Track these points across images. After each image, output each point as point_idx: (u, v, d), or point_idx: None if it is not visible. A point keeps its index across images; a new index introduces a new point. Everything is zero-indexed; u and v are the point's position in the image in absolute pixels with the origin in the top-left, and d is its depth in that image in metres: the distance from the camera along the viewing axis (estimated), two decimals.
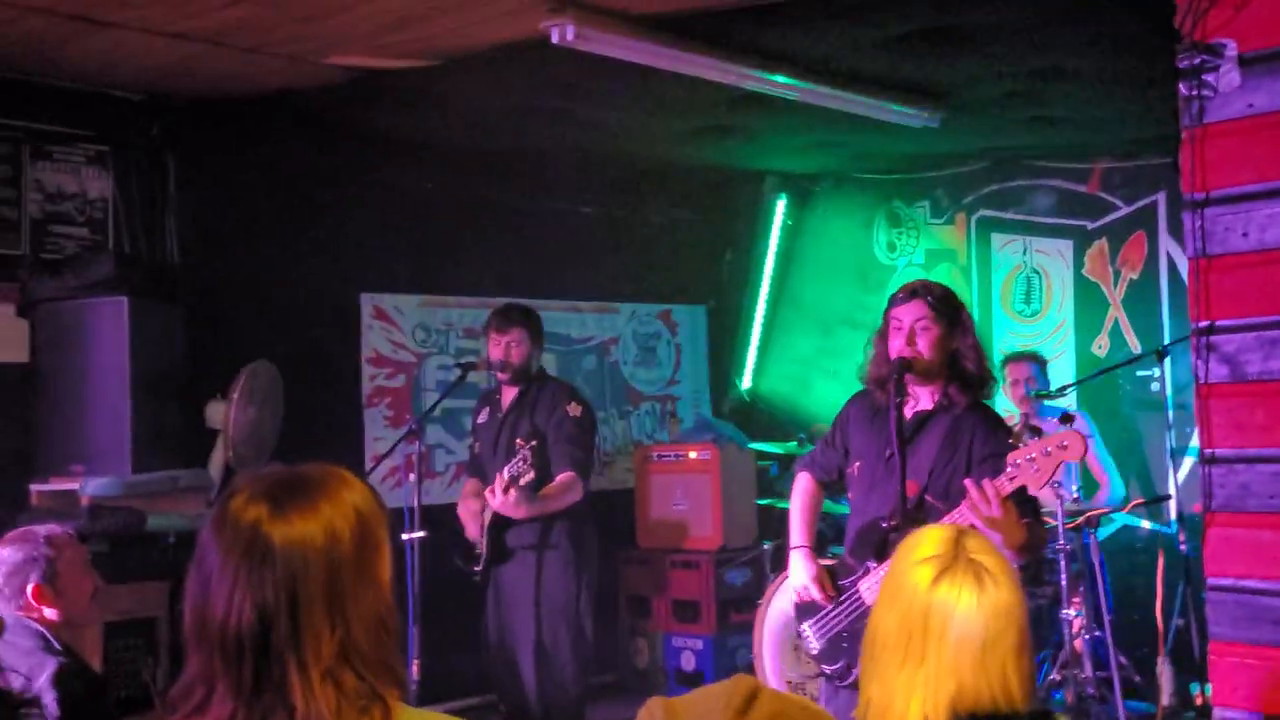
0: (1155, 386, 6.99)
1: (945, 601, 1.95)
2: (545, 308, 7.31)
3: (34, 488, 5.34)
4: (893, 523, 3.96)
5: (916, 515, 3.85)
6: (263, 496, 1.72)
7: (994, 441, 4.01)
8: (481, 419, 5.81)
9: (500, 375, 5.63)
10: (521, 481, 5.15)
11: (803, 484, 4.46)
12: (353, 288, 6.74)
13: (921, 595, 1.96)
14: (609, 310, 7.90)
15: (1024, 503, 3.86)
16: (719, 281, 8.56)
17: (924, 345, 4.02)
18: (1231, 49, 3.86)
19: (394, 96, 5.81)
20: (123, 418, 5.32)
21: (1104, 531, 6.33)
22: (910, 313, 4.05)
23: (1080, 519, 5.89)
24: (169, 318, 5.62)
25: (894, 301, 4.13)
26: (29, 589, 3.35)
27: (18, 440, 5.47)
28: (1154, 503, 6.31)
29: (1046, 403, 6.45)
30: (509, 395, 5.68)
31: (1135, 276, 7.21)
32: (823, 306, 8.32)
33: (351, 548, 1.72)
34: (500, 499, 5.16)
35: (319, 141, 6.41)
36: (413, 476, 5.26)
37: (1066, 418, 3.90)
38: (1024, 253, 7.66)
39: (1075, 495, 6.23)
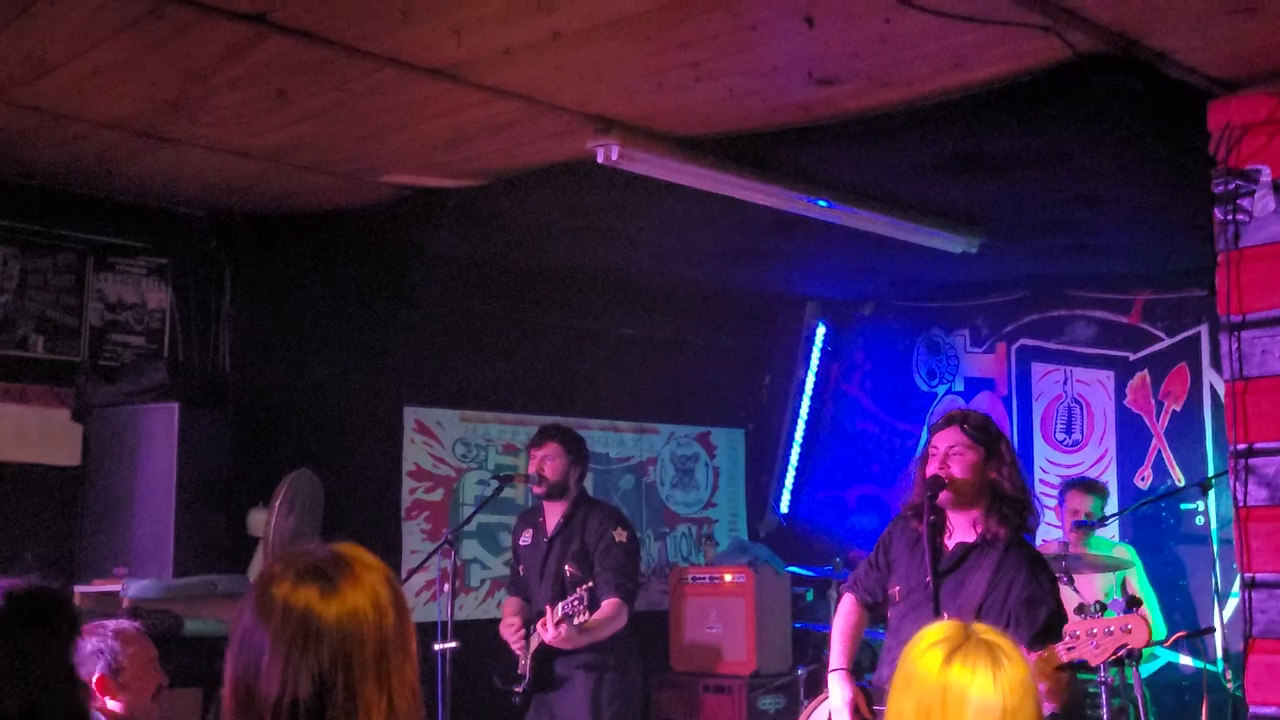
0: (1200, 520, 6.91)
1: (960, 679, 1.94)
2: (584, 426, 7.37)
3: (77, 589, 5.39)
4: None
5: None
6: (309, 577, 1.78)
7: (1034, 585, 4.04)
8: (525, 541, 5.84)
9: (535, 489, 5.71)
10: (575, 621, 5.21)
11: (846, 606, 4.50)
12: (396, 400, 6.84)
13: (935, 677, 1.95)
14: (648, 431, 7.95)
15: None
16: (758, 405, 8.60)
17: (957, 468, 4.10)
18: (1266, 175, 3.94)
19: (443, 214, 5.97)
20: (167, 522, 5.40)
21: (1148, 668, 6.21)
22: (946, 439, 4.16)
23: (1122, 653, 5.79)
24: (218, 425, 5.73)
25: (933, 430, 4.26)
26: (94, 679, 3.43)
27: (66, 542, 5.57)
28: (1196, 635, 6.19)
29: (1098, 536, 6.41)
30: (553, 517, 5.72)
31: (1178, 408, 7.19)
32: (861, 432, 8.34)
33: (394, 618, 1.79)
34: (552, 633, 5.26)
35: (368, 256, 6.57)
36: (447, 588, 5.29)
37: (1134, 601, 3.87)
38: (1065, 382, 7.66)
39: None
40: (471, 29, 3.78)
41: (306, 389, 6.29)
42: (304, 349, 6.36)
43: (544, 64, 4.06)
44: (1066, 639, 3.76)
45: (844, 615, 4.48)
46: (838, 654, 4.40)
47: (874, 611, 4.54)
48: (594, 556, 5.57)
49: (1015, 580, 4.03)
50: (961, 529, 4.17)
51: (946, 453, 4.12)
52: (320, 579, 1.77)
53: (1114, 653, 3.72)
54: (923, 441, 4.35)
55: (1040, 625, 3.94)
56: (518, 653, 5.59)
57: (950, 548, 4.16)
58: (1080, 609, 3.84)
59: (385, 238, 6.49)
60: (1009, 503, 4.11)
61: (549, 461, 5.64)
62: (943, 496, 4.10)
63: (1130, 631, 3.70)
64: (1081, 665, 3.85)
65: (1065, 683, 3.84)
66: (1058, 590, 4.12)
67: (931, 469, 4.13)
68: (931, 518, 4.09)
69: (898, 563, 4.31)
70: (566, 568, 5.51)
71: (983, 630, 2.01)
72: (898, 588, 4.26)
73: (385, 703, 1.73)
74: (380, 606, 1.77)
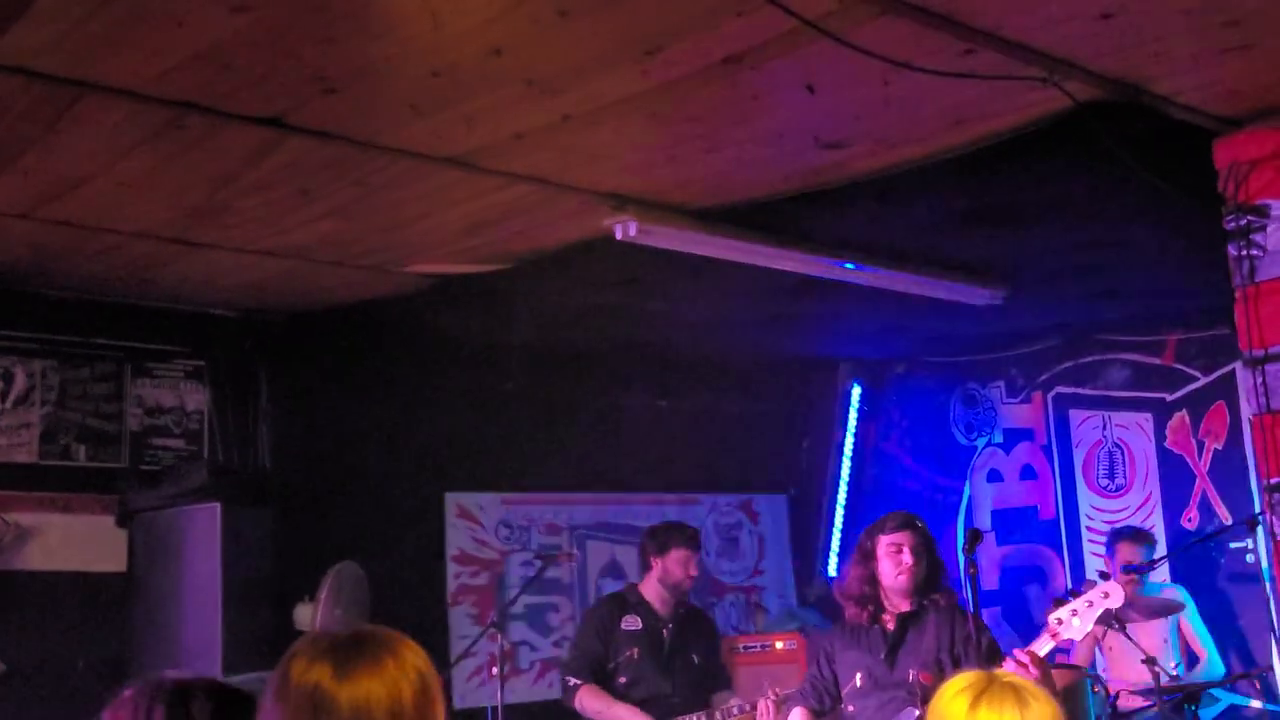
0: (1250, 558, 6.80)
1: (1011, 713, 1.92)
2: (625, 502, 7.40)
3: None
4: (919, 711, 4.34)
5: None
6: (325, 657, 1.78)
7: (968, 624, 4.50)
8: (633, 626, 5.88)
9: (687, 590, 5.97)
10: None
11: (797, 717, 4.86)
12: (437, 487, 6.89)
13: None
14: (690, 502, 7.95)
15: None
16: (798, 469, 8.59)
17: (921, 565, 4.68)
18: (1277, 209, 3.94)
19: (471, 300, 6.05)
20: (214, 621, 5.44)
21: (1210, 711, 6.10)
22: (906, 539, 4.72)
23: (1181, 695, 5.70)
24: (260, 522, 5.79)
25: (883, 530, 4.77)
26: None
27: (115, 648, 5.62)
28: (1255, 675, 6.08)
29: (1149, 580, 6.35)
30: (661, 605, 5.90)
31: (1220, 447, 7.11)
32: (903, 491, 8.30)
33: (413, 708, 1.78)
34: None
35: (401, 347, 6.66)
36: (495, 671, 5.31)
37: (1103, 574, 4.07)
38: (1104, 428, 7.61)
39: (1175, 670, 6.04)
40: (482, 118, 3.87)
41: (347, 481, 6.35)
42: (342, 442, 6.43)
43: (556, 147, 4.15)
44: (1050, 626, 4.06)
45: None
46: None
47: (822, 718, 4.92)
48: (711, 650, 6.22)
49: (955, 625, 4.61)
50: (898, 605, 4.72)
51: (911, 550, 4.67)
52: (336, 658, 1.76)
53: (1096, 621, 4.04)
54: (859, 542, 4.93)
55: (985, 649, 4.36)
56: None
57: (892, 625, 4.69)
58: (1057, 602, 4.12)
59: (415, 326, 6.57)
60: (943, 576, 4.77)
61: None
62: (907, 586, 4.66)
63: (1107, 596, 3.99)
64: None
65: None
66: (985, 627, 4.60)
67: (890, 566, 4.69)
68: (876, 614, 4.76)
69: (844, 662, 4.75)
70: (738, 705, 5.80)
71: (1005, 675, 2.01)
72: (857, 674, 4.69)
73: None
74: (398, 697, 1.76)
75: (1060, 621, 4.04)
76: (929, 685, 4.34)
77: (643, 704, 5.63)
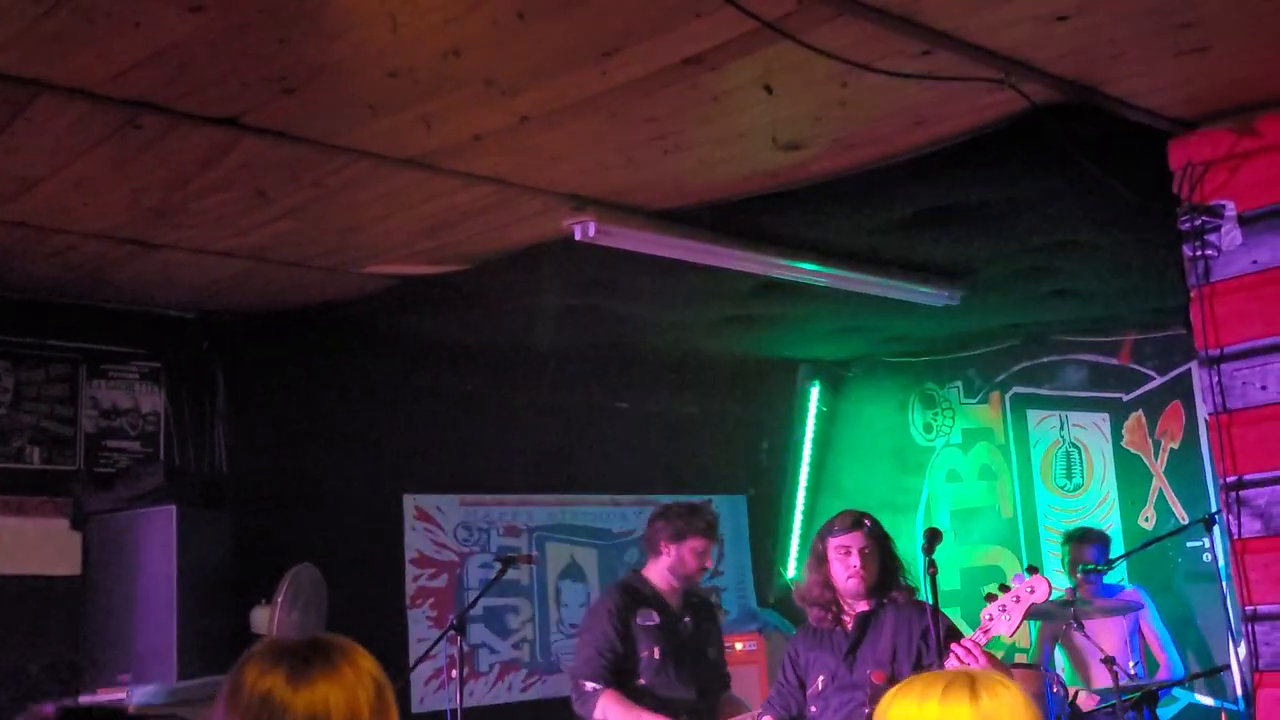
0: (1207, 557, 6.88)
1: (956, 708, 1.88)
2: (584, 503, 7.39)
3: (83, 699, 5.37)
4: (868, 710, 4.34)
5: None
6: (279, 664, 1.76)
7: (925, 618, 4.40)
8: (650, 621, 5.27)
9: (697, 582, 5.49)
10: None
11: None
12: (395, 489, 6.86)
13: (932, 709, 1.91)
14: (649, 503, 7.93)
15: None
16: (757, 470, 8.61)
17: (870, 567, 4.61)
18: (1231, 209, 3.99)
19: (430, 302, 6.03)
20: (169, 625, 5.39)
21: (1169, 710, 6.16)
22: (856, 540, 4.65)
23: (1139, 694, 5.75)
24: (217, 525, 5.74)
25: (834, 532, 4.71)
26: None
27: (69, 652, 5.55)
28: (1210, 674, 6.15)
29: (1107, 581, 6.41)
30: (671, 595, 5.37)
31: (1176, 446, 7.18)
32: (862, 491, 8.32)
33: (369, 716, 1.76)
34: None
35: (359, 349, 6.62)
36: (455, 674, 5.27)
37: (1031, 569, 4.13)
38: (1061, 428, 7.67)
39: (1133, 670, 6.10)
40: (440, 118, 3.86)
41: (304, 483, 6.31)
42: (299, 444, 6.39)
43: (515, 148, 4.14)
44: (983, 622, 4.12)
45: None
46: None
47: None
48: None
49: (914, 621, 4.56)
50: (855, 606, 4.67)
51: (859, 552, 4.61)
52: (291, 664, 1.75)
53: (1025, 615, 4.06)
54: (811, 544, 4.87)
55: (944, 636, 4.25)
56: None
57: (850, 624, 4.64)
58: (988, 597, 4.17)
59: (374, 328, 6.54)
60: (902, 574, 4.68)
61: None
62: (859, 589, 4.61)
63: (1033, 591, 4.04)
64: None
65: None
66: (944, 617, 4.50)
67: (840, 569, 4.63)
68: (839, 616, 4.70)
69: (810, 665, 4.70)
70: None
71: (963, 670, 1.99)
72: (820, 677, 4.63)
73: None
74: (354, 704, 1.74)
75: (991, 618, 4.11)
76: (880, 685, 4.36)
77: (664, 708, 5.07)
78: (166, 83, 3.49)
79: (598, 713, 5.04)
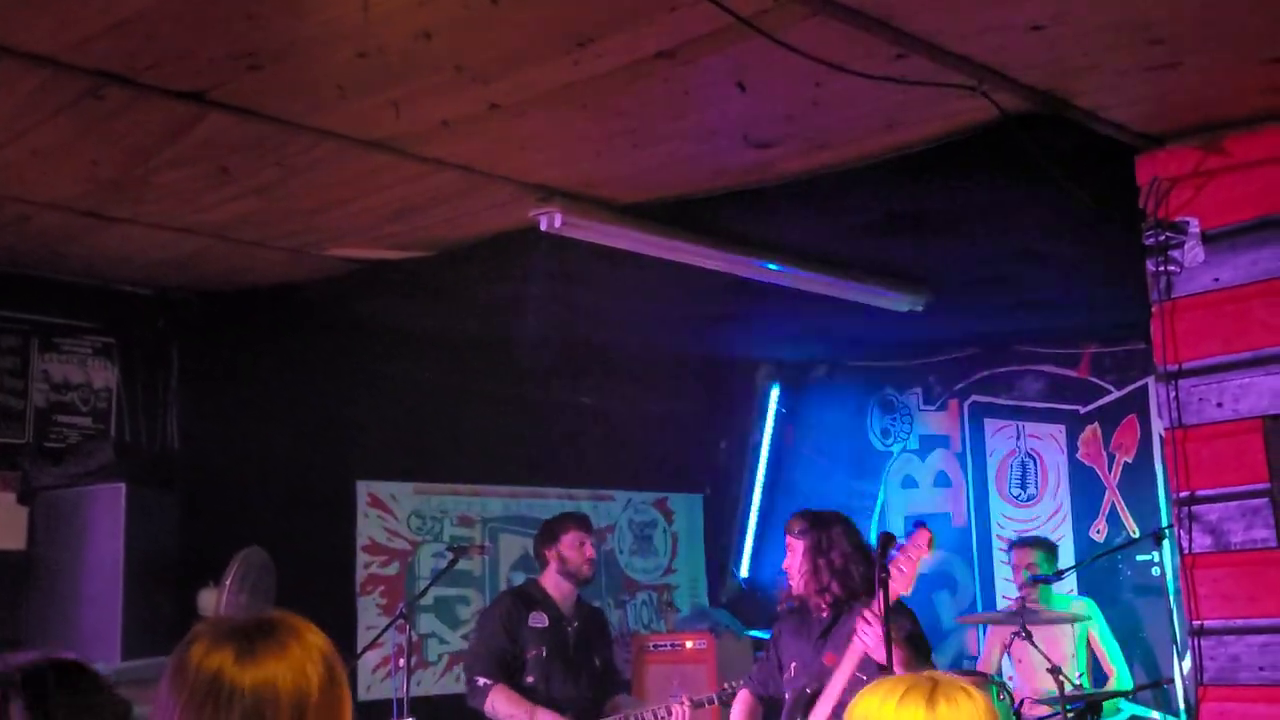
0: (1155, 571, 6.94)
1: (911, 711, 1.89)
2: (540, 495, 7.36)
3: None
4: (813, 687, 4.50)
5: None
6: (226, 642, 1.74)
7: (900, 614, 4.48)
8: (540, 623, 5.63)
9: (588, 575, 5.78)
10: None
11: (742, 697, 4.97)
12: (348, 475, 6.80)
13: (889, 711, 1.90)
14: (604, 498, 7.93)
15: (917, 650, 4.46)
16: (715, 469, 8.60)
17: (803, 570, 4.70)
18: (1195, 226, 4.02)
19: (392, 287, 5.98)
20: (114, 604, 5.31)
21: None
22: (790, 542, 4.81)
23: (1084, 704, 5.80)
24: (166, 504, 5.67)
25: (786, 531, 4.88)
26: None
27: (11, 628, 5.45)
28: (1153, 686, 6.20)
29: (1054, 590, 6.44)
30: (564, 601, 5.72)
31: (1130, 460, 7.24)
32: (819, 493, 8.33)
33: (318, 693, 1.74)
34: None
35: (318, 332, 6.55)
36: (402, 663, 5.24)
37: (918, 524, 4.24)
38: (1017, 438, 7.71)
39: (1078, 680, 6.14)
40: (409, 102, 3.81)
41: (256, 466, 6.23)
42: (253, 426, 6.31)
43: (483, 135, 4.10)
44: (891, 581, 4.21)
45: (740, 703, 4.95)
46: None
47: (768, 706, 4.94)
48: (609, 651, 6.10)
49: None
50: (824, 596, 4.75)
51: (793, 553, 4.76)
52: (238, 642, 1.72)
53: (915, 567, 4.23)
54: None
55: (903, 636, 4.38)
56: None
57: (826, 614, 4.69)
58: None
59: (335, 312, 6.48)
60: (839, 575, 4.65)
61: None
62: (797, 588, 4.72)
63: (921, 546, 4.24)
64: (924, 648, 4.58)
65: (911, 657, 4.30)
66: (912, 616, 4.63)
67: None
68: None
69: (787, 650, 4.79)
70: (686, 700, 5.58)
71: (930, 675, 1.98)
72: (793, 662, 4.73)
73: None
74: (303, 681, 1.72)
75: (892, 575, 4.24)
76: (830, 668, 4.45)
77: (551, 705, 5.43)
78: (131, 54, 3.43)
79: (488, 706, 5.42)
